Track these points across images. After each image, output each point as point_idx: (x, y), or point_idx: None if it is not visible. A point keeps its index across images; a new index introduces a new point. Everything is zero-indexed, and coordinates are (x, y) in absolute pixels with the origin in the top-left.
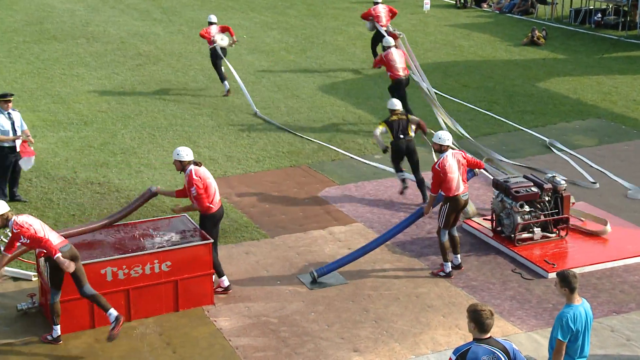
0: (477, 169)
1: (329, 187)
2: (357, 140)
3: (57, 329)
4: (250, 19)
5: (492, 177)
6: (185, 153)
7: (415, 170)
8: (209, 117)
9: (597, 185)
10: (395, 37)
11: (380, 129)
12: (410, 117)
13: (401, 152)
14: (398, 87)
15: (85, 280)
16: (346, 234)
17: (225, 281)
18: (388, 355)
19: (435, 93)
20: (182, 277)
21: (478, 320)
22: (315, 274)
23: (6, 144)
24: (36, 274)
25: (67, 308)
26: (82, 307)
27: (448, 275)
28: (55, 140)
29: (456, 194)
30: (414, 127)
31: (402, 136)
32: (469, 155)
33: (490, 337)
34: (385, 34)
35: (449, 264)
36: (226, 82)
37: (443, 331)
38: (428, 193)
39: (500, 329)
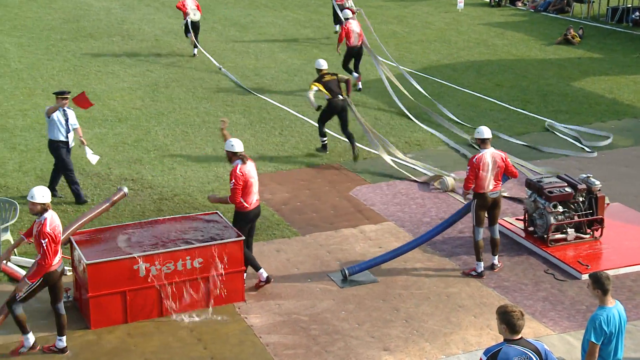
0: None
1: (360, 185)
2: (388, 139)
3: (29, 337)
4: (283, 17)
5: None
6: (237, 145)
7: (345, 127)
8: (241, 114)
9: (595, 154)
10: (353, 12)
11: (313, 90)
12: (340, 76)
13: (335, 110)
14: (354, 54)
15: (61, 298)
16: (377, 233)
17: (263, 274)
18: (418, 355)
19: (469, 92)
20: (213, 274)
21: (509, 322)
22: (347, 271)
23: (60, 138)
24: (70, 268)
25: (101, 303)
26: (115, 302)
27: (479, 275)
28: (90, 136)
29: (484, 191)
30: (343, 85)
31: (340, 96)
32: (509, 160)
33: (521, 337)
34: (339, 11)
35: (482, 263)
36: (195, 50)
37: (474, 331)
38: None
39: (532, 330)
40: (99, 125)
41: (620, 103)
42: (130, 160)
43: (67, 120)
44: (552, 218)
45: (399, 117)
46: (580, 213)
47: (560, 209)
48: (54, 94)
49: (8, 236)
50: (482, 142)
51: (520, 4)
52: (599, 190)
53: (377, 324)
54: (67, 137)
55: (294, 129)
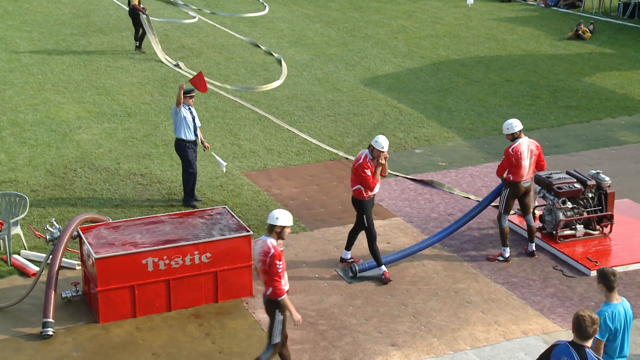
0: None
1: None
2: (397, 134)
3: None
4: (292, 11)
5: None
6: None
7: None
8: (250, 109)
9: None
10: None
11: None
12: None
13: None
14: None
15: None
16: (385, 228)
17: (506, 251)
18: (426, 351)
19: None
20: (221, 269)
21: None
22: (357, 267)
23: (188, 137)
24: (80, 262)
25: (109, 297)
26: (124, 296)
27: (506, 260)
28: (99, 131)
29: (521, 180)
30: None
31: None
32: (541, 150)
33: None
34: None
35: (508, 249)
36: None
37: (482, 327)
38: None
39: (540, 326)
40: (108, 120)
41: (631, 99)
42: (139, 155)
43: (194, 119)
44: (561, 214)
45: (407, 113)
46: (589, 209)
47: (569, 205)
48: (183, 93)
49: (18, 230)
50: (513, 135)
51: None
52: (609, 186)
53: (385, 319)
54: (195, 135)
55: (303, 124)
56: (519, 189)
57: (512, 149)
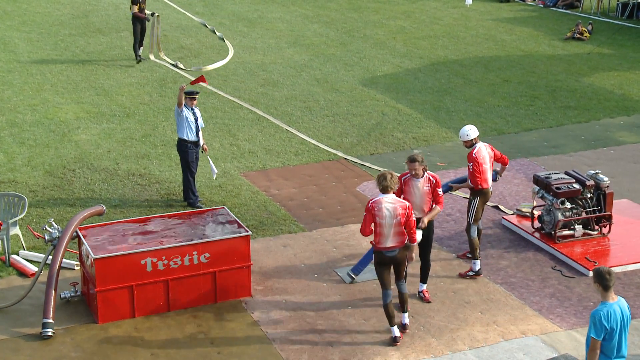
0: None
1: (367, 181)
2: (396, 134)
3: None
4: (290, 12)
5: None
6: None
7: None
8: (248, 110)
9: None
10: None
11: None
12: None
13: None
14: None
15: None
16: None
17: (476, 264)
18: (425, 351)
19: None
20: (220, 269)
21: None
22: (352, 273)
23: (190, 138)
24: (78, 263)
25: (108, 297)
26: (123, 296)
27: (477, 274)
28: (98, 131)
29: (489, 186)
30: None
31: None
32: (495, 150)
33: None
34: None
35: (478, 262)
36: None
37: (480, 327)
38: (457, 187)
39: (539, 327)
40: (107, 121)
41: (629, 99)
42: (137, 156)
43: (196, 120)
44: (559, 214)
45: (406, 113)
46: (588, 209)
47: (568, 205)
48: (185, 93)
49: (17, 230)
50: (470, 142)
51: (529, 0)
52: (607, 186)
53: (383, 320)
54: (197, 136)
55: (301, 125)
56: (488, 195)
57: (475, 152)
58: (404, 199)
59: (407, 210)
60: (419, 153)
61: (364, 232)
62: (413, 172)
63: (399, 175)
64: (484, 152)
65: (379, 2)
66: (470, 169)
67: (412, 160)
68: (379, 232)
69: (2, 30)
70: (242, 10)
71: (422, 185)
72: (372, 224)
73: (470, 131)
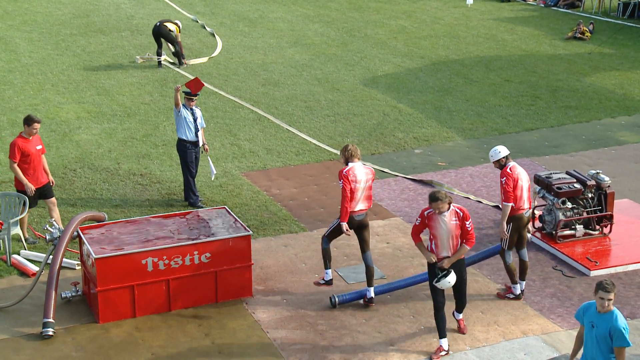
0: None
1: None
2: (397, 134)
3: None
4: (291, 11)
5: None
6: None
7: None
8: (249, 109)
9: None
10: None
11: None
12: None
13: None
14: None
15: None
16: (384, 228)
17: (517, 288)
18: (425, 351)
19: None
20: (221, 269)
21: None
22: (336, 299)
23: (189, 138)
24: (79, 262)
25: (109, 297)
26: (124, 296)
27: (518, 298)
28: (99, 131)
29: (521, 207)
30: None
31: None
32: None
33: None
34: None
35: (518, 285)
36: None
37: (481, 327)
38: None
39: (540, 327)
40: (108, 120)
41: (630, 99)
42: (138, 155)
43: (195, 120)
44: (560, 214)
45: (407, 113)
46: (589, 209)
47: (569, 205)
48: (184, 93)
49: (17, 230)
50: (499, 161)
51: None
52: (608, 186)
53: (384, 320)
54: (196, 136)
55: (302, 124)
56: (523, 220)
57: (510, 168)
58: (431, 234)
59: (373, 175)
60: (440, 190)
61: (345, 202)
62: (437, 211)
63: (422, 209)
64: (520, 169)
65: (379, 1)
66: (502, 183)
67: (434, 199)
68: (352, 197)
69: (3, 30)
70: (243, 10)
71: (448, 219)
72: (349, 190)
73: (501, 149)
